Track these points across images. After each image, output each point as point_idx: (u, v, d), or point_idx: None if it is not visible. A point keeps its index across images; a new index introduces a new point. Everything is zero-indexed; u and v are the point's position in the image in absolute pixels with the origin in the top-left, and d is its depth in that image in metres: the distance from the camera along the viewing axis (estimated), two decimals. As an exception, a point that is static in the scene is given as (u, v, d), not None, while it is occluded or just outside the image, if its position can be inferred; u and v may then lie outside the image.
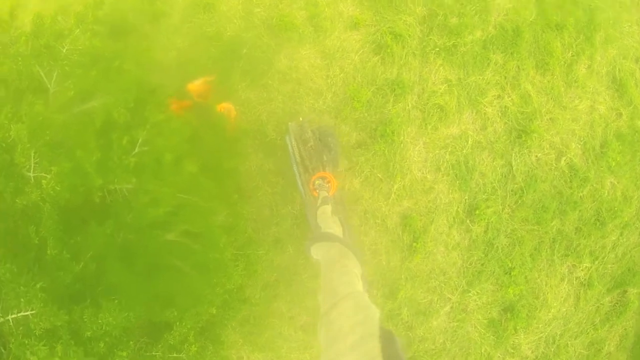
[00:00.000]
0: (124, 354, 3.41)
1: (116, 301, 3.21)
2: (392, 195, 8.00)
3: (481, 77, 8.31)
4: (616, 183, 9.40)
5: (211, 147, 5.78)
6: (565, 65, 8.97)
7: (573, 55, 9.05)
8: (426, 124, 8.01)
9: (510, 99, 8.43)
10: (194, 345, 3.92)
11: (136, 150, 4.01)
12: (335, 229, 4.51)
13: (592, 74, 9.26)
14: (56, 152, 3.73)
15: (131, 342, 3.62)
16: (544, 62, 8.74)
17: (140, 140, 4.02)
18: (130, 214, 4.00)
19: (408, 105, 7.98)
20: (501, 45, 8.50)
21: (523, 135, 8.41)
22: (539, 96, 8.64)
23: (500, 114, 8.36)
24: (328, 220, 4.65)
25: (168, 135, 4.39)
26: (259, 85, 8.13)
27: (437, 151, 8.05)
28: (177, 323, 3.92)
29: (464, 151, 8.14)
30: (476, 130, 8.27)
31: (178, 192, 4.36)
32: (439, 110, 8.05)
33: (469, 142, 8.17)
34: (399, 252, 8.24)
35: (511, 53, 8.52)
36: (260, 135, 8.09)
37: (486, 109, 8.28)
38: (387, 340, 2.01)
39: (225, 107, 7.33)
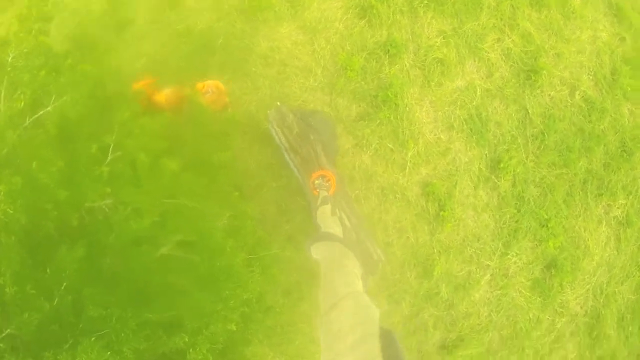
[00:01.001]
0: (128, 399, 2.45)
1: (94, 339, 2.27)
2: (408, 164, 7.04)
3: (477, 23, 7.42)
4: (634, 109, 8.53)
5: (195, 140, 4.82)
6: (560, -2, 8.14)
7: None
8: (429, 82, 7.10)
9: (511, 40, 7.55)
10: (216, 370, 2.98)
11: (109, 158, 3.43)
12: (335, 228, 4.33)
13: (587, 3, 8.40)
14: (6, 170, 2.83)
15: (139, 382, 2.65)
16: (537, -2, 7.90)
17: (112, 146, 3.42)
18: (111, 232, 3.09)
19: (406, 65, 7.07)
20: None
21: (532, 75, 7.52)
22: (539, 33, 7.77)
23: (504, 57, 7.47)
24: (328, 220, 4.47)
25: (139, 134, 3.60)
26: (241, 75, 7.19)
27: (446, 108, 7.13)
28: (191, 350, 3.00)
29: (474, 103, 7.23)
30: (482, 78, 7.37)
31: (162, 197, 3.48)
32: (439, 64, 7.14)
33: (478, 93, 7.27)
34: (426, 225, 7.27)
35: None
36: (252, 127, 7.13)
37: (488, 55, 7.39)
38: (387, 340, 1.89)
39: (210, 86, 6.31)
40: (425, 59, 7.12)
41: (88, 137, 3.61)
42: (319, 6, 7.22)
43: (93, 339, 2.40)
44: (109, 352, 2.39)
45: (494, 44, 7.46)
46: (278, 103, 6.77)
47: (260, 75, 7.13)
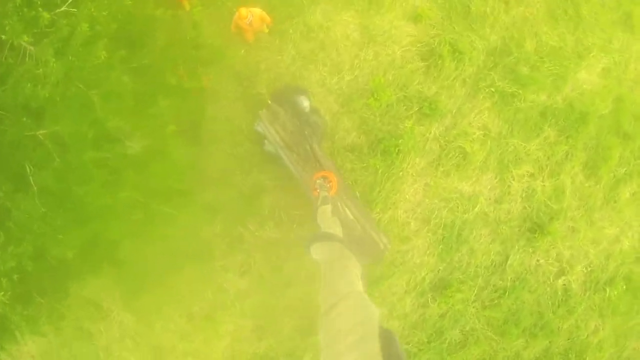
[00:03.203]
0: None
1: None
2: (362, 224, 5.71)
3: (524, 145, 6.01)
4: (600, 329, 7.13)
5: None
6: (614, 179, 6.70)
7: (626, 174, 6.78)
8: (439, 164, 5.71)
9: (542, 184, 6.13)
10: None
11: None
12: (335, 229, 4.01)
13: (634, 203, 7.00)
14: None
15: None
16: (594, 165, 6.47)
17: None
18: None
19: (429, 133, 5.68)
20: (561, 123, 6.21)
21: (537, 232, 6.11)
22: (572, 197, 6.36)
23: (524, 195, 6.06)
24: (328, 220, 4.17)
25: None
26: (276, 29, 5.81)
27: (436, 201, 5.74)
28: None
29: (465, 216, 5.84)
30: (490, 199, 5.98)
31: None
32: (461, 155, 5.74)
33: (476, 209, 5.87)
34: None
35: (567, 136, 6.23)
36: (248, 83, 5.78)
37: (512, 182, 5.99)
38: (386, 339, 1.78)
39: (254, 14, 5.19)
40: (452, 142, 5.72)
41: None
42: (393, 19, 5.81)
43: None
44: None
45: (524, 176, 6.05)
46: (269, 101, 5.44)
47: (292, 41, 5.73)
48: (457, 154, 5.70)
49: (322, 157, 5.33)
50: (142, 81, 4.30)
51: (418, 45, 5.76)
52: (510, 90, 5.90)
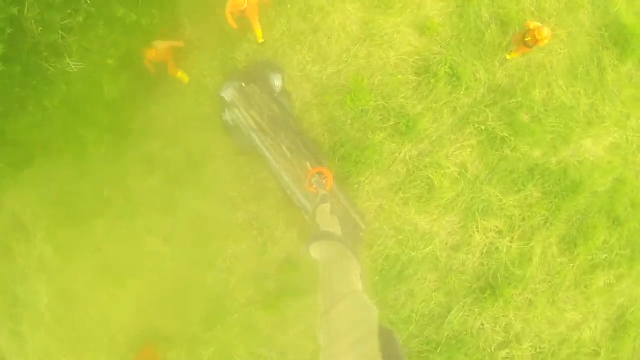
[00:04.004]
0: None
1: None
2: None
3: (500, 197, 5.26)
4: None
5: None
6: (591, 263, 5.87)
7: (605, 260, 5.93)
8: (399, 189, 5.00)
9: (509, 244, 5.36)
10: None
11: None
12: (335, 227, 3.82)
13: (606, 293, 6.14)
14: None
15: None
16: (573, 242, 5.65)
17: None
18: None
19: (399, 153, 4.99)
20: (549, 185, 5.43)
21: (488, 293, 5.33)
22: (539, 268, 5.56)
23: (485, 251, 5.30)
24: (327, 218, 3.96)
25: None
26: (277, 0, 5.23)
27: (385, 227, 5.02)
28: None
29: (414, 253, 5.11)
30: (446, 244, 5.23)
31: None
32: (426, 187, 5.03)
33: (428, 249, 5.13)
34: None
35: (551, 201, 5.45)
36: (229, 46, 5.20)
37: (475, 232, 5.24)
38: (386, 339, 1.67)
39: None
40: (421, 170, 5.01)
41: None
42: (398, 23, 5.16)
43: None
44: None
45: (490, 231, 5.28)
46: (243, 84, 4.86)
47: (286, 17, 5.14)
48: (422, 184, 4.99)
49: (311, 144, 4.94)
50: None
51: (416, 57, 5.09)
52: (501, 134, 5.17)
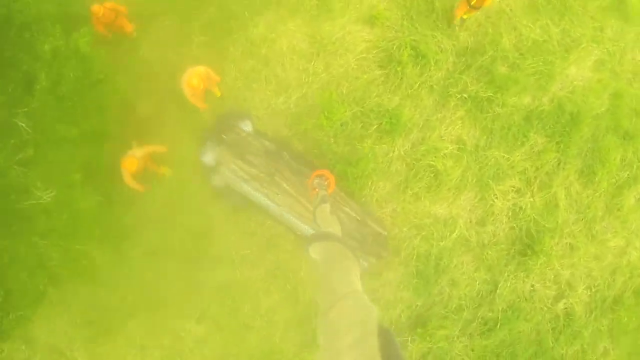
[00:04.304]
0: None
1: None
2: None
3: (506, 156, 5.03)
4: (610, 350, 6.09)
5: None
6: (616, 185, 5.65)
7: (629, 178, 5.71)
8: (407, 187, 4.78)
9: (531, 199, 5.13)
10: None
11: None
12: (335, 227, 3.63)
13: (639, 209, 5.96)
14: None
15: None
16: (591, 170, 5.42)
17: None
18: None
19: (393, 152, 4.76)
20: (549, 127, 5.19)
21: (529, 253, 5.12)
22: (568, 210, 5.34)
23: (510, 214, 5.08)
24: (327, 219, 3.81)
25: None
26: (216, 46, 4.96)
27: (405, 229, 4.80)
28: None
29: (443, 243, 4.89)
30: (471, 222, 5.03)
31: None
32: (432, 175, 4.80)
33: (455, 234, 4.92)
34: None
35: (558, 142, 5.21)
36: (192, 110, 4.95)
37: (495, 200, 5.02)
38: (385, 339, 1.68)
39: (198, 75, 4.24)
40: (421, 160, 4.78)
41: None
42: (345, 24, 4.89)
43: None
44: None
45: (509, 192, 5.06)
46: (223, 136, 4.58)
47: (233, 59, 4.87)
48: (427, 174, 4.75)
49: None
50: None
51: (375, 51, 4.83)
52: (486, 95, 4.91)
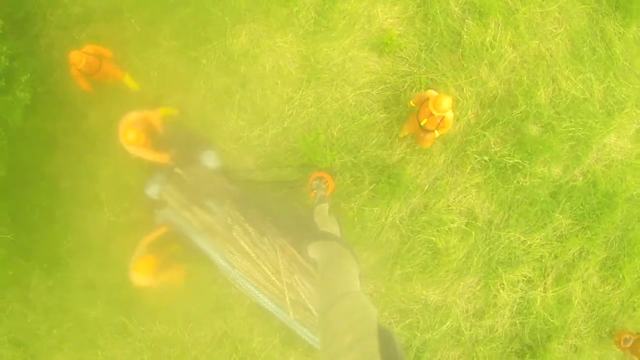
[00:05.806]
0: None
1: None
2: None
3: (524, 239, 3.87)
4: None
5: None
6: (638, 282, 4.59)
7: (654, 275, 4.66)
8: (397, 263, 3.57)
9: (543, 293, 3.99)
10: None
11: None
12: (333, 228, 3.24)
13: None
14: None
15: None
16: (615, 264, 4.30)
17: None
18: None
19: (386, 219, 3.58)
20: (579, 208, 4.03)
21: (527, 354, 4.02)
22: (581, 308, 4.24)
23: (515, 308, 3.95)
24: (326, 219, 3.53)
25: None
26: (187, 56, 3.71)
27: (387, 312, 3.67)
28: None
29: (429, 335, 3.78)
30: (467, 313, 3.89)
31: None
32: (429, 253, 3.65)
33: (445, 326, 3.79)
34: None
35: (585, 227, 4.07)
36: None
37: (500, 291, 3.88)
38: (385, 339, 1.55)
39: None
40: (419, 233, 3.55)
41: None
42: (346, 48, 3.65)
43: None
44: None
45: (519, 282, 3.90)
46: (176, 169, 3.38)
47: (205, 74, 3.64)
48: (424, 251, 3.58)
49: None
50: None
51: (380, 87, 3.61)
52: (511, 161, 3.73)
